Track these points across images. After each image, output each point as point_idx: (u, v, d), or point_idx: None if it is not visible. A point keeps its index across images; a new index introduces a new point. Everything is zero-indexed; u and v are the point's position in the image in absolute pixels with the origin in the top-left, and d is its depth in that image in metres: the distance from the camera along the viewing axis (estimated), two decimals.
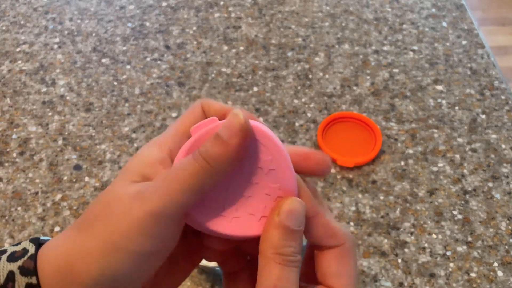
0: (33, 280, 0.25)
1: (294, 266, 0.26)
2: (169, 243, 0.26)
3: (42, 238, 0.27)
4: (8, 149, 0.60)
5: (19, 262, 0.26)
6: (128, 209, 0.25)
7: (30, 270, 0.26)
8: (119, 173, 0.27)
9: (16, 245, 0.27)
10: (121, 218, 0.25)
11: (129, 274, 0.25)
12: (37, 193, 0.56)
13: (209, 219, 0.26)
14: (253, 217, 0.27)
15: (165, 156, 0.27)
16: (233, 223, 0.27)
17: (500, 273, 0.49)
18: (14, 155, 0.59)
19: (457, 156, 0.59)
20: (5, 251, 0.27)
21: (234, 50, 0.72)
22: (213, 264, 0.49)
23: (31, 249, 0.26)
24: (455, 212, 0.54)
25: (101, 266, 0.25)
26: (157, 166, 0.26)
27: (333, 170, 0.57)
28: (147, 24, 0.76)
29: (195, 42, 0.73)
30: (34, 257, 0.26)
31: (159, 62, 0.70)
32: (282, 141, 0.60)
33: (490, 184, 0.56)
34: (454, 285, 0.48)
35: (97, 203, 0.27)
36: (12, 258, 0.26)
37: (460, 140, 0.61)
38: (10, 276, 0.25)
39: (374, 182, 0.56)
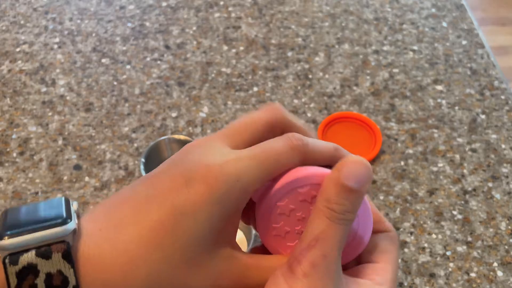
0: None
1: (343, 224, 0.25)
2: None
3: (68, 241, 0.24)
4: (8, 149, 0.60)
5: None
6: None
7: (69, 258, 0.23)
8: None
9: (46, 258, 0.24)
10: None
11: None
12: (37, 193, 0.56)
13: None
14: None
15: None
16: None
17: (500, 273, 0.49)
18: (14, 155, 0.59)
19: (457, 156, 0.59)
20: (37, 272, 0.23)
21: (234, 50, 0.72)
22: None
23: (69, 273, 0.23)
24: (455, 212, 0.54)
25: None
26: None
27: None
28: (147, 24, 0.76)
29: (195, 42, 0.73)
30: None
31: (159, 62, 0.70)
32: None
33: (490, 184, 0.56)
34: (454, 285, 0.48)
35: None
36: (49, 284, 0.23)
37: (460, 140, 0.61)
38: None
39: (374, 182, 0.56)
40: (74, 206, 0.26)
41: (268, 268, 0.26)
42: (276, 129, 0.28)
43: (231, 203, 0.25)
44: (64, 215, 0.24)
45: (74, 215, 0.25)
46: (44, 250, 0.23)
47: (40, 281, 0.23)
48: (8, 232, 0.23)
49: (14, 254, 0.23)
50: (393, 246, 0.29)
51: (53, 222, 0.24)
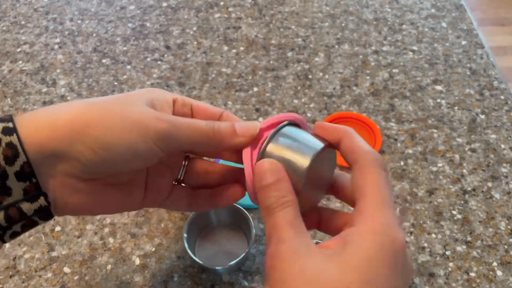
0: (10, 124, 0.29)
1: (288, 206, 0.30)
2: (154, 158, 0.32)
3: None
4: None
5: None
6: (146, 117, 0.31)
7: (4, 119, 0.29)
8: (140, 92, 0.34)
9: None
10: (138, 115, 0.31)
11: (125, 148, 0.31)
12: None
13: None
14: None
15: (171, 106, 0.35)
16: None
17: (499, 273, 0.49)
18: None
19: (457, 156, 0.59)
20: None
21: (234, 51, 0.72)
22: (213, 264, 0.49)
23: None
24: (454, 212, 0.54)
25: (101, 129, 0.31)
26: (166, 108, 0.35)
27: None
28: (148, 24, 0.77)
29: (195, 42, 0.73)
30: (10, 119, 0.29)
31: (159, 62, 0.71)
32: None
33: (490, 184, 0.56)
34: (454, 284, 0.48)
35: (114, 99, 0.32)
36: None
37: (459, 140, 0.61)
38: None
39: None
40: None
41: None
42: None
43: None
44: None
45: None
46: None
47: None
48: None
49: None
50: (365, 179, 0.30)
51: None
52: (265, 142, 0.33)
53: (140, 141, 0.31)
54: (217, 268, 0.47)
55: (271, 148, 0.32)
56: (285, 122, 0.34)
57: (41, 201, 0.30)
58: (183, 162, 0.38)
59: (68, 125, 0.30)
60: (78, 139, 0.30)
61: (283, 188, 0.30)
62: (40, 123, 0.30)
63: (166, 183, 0.37)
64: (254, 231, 0.48)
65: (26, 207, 0.29)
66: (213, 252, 0.50)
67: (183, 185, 0.39)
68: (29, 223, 0.31)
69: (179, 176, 0.38)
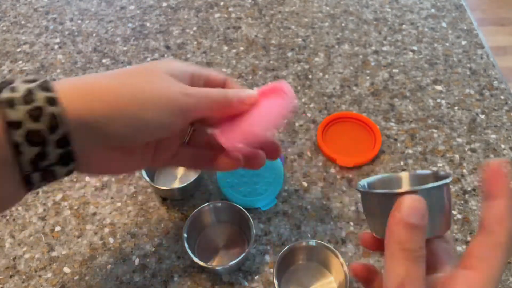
0: (54, 95, 0.31)
1: (421, 262, 0.27)
2: (178, 129, 0.37)
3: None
4: None
5: (35, 84, 0.31)
6: (175, 92, 0.35)
7: (47, 87, 0.31)
8: (162, 64, 0.37)
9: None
10: (167, 92, 0.35)
11: (148, 121, 0.34)
12: (37, 192, 0.56)
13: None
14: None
15: (187, 78, 0.38)
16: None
17: None
18: None
19: (457, 156, 0.59)
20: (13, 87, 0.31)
21: (234, 51, 0.72)
22: (213, 264, 0.49)
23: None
24: (454, 212, 0.54)
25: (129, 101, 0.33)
26: (185, 80, 0.38)
27: (333, 170, 0.57)
28: (148, 24, 0.77)
29: (195, 43, 0.73)
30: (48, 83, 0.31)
31: None
32: (282, 141, 0.60)
33: None
34: None
35: (141, 73, 0.36)
36: (26, 81, 0.31)
37: (459, 140, 0.61)
38: (27, 93, 0.30)
39: None
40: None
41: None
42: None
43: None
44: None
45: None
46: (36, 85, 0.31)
47: (18, 81, 0.31)
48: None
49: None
50: (493, 253, 0.27)
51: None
52: (434, 185, 0.31)
53: (171, 116, 0.35)
54: (217, 268, 0.47)
55: (425, 194, 0.29)
56: (448, 180, 0.32)
57: (71, 166, 0.33)
58: (189, 128, 0.43)
59: (105, 102, 0.32)
60: (114, 117, 0.32)
61: (423, 239, 0.28)
62: (80, 96, 0.32)
63: (173, 145, 0.41)
64: (254, 231, 0.48)
65: (59, 170, 0.32)
66: (213, 252, 0.50)
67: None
68: (53, 179, 0.33)
69: (185, 140, 0.43)
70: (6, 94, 0.30)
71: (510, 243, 0.27)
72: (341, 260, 0.46)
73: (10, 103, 0.29)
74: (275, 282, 0.44)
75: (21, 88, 0.30)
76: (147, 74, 0.35)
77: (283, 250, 0.46)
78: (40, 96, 0.30)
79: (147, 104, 0.34)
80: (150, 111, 0.34)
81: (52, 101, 0.30)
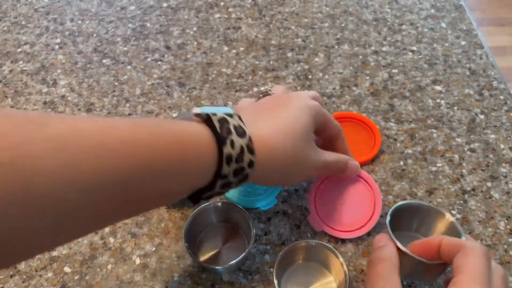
0: (254, 158, 0.39)
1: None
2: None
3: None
4: None
5: (245, 140, 0.38)
6: (316, 163, 0.45)
7: (252, 149, 0.39)
8: (304, 113, 0.44)
9: (223, 113, 0.40)
10: (310, 162, 0.45)
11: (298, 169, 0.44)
12: None
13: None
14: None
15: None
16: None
17: None
18: None
19: (456, 156, 0.59)
20: (222, 118, 0.39)
21: (234, 51, 0.72)
22: (213, 263, 0.49)
23: (246, 130, 0.39)
24: (454, 212, 0.54)
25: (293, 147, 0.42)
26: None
27: None
28: (148, 24, 0.77)
29: (195, 43, 0.74)
30: (250, 139, 0.39)
31: (159, 62, 0.71)
32: None
33: (489, 184, 0.56)
34: None
35: (292, 133, 0.43)
36: (238, 133, 0.38)
37: (459, 140, 0.61)
38: (240, 150, 0.38)
39: None
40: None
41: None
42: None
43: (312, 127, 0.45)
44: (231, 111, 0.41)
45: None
46: (228, 114, 0.39)
47: (231, 125, 0.38)
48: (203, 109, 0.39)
49: (208, 115, 0.38)
50: (467, 258, 0.35)
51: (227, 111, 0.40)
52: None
53: (310, 177, 0.50)
54: (217, 268, 0.48)
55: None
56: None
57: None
58: None
59: (275, 165, 0.42)
60: (273, 175, 0.43)
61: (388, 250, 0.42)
62: (264, 160, 0.40)
63: None
64: (254, 230, 0.48)
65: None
66: (213, 251, 0.50)
67: None
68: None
69: None
70: (227, 149, 0.37)
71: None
72: (341, 259, 0.46)
73: (228, 159, 0.37)
74: (275, 281, 0.44)
75: (237, 144, 0.37)
76: (299, 137, 0.42)
77: (283, 250, 0.46)
78: (247, 159, 0.38)
79: (299, 170, 0.44)
80: (298, 176, 0.45)
81: (251, 164, 0.39)
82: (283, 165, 0.42)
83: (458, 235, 0.43)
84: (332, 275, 0.48)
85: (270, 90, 0.51)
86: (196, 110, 0.39)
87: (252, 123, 0.40)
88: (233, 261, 0.46)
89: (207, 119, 0.38)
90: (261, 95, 0.51)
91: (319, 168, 0.45)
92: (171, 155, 0.34)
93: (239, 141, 0.37)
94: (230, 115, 0.39)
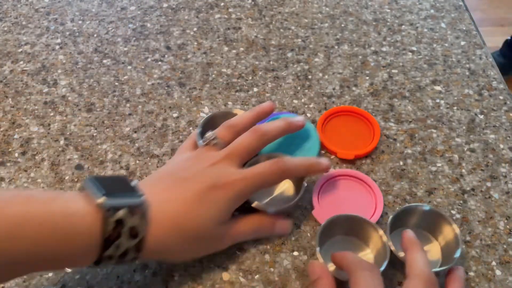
0: (139, 254, 0.41)
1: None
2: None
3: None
4: (10, 149, 0.60)
5: (135, 242, 0.40)
6: (222, 241, 0.48)
7: (140, 247, 0.40)
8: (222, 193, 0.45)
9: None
10: (214, 243, 0.48)
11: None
12: None
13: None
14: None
15: None
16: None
17: (498, 272, 0.49)
18: (16, 155, 0.60)
19: (456, 156, 0.59)
20: (120, 219, 0.38)
21: (234, 51, 0.72)
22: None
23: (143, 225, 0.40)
24: (453, 212, 0.54)
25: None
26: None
27: (333, 165, 0.58)
28: (148, 25, 0.77)
29: (195, 43, 0.74)
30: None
31: (160, 62, 0.71)
32: None
33: (489, 184, 0.57)
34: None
35: (193, 215, 0.44)
36: (131, 235, 0.39)
37: (458, 140, 0.61)
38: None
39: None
40: (134, 182, 0.43)
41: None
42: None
43: (234, 203, 0.46)
44: (139, 192, 0.41)
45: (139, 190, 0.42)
46: (131, 209, 0.39)
47: (126, 228, 0.38)
48: (105, 194, 0.38)
49: (109, 210, 0.38)
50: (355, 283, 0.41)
51: (134, 193, 0.41)
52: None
53: (210, 251, 0.48)
54: (268, 210, 0.50)
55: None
56: None
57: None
58: None
59: (176, 244, 0.43)
60: (175, 254, 0.45)
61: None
62: (158, 242, 0.42)
63: None
64: (305, 183, 0.51)
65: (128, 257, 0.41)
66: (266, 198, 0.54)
67: None
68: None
69: None
70: (109, 252, 0.38)
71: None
72: (380, 232, 0.48)
73: (109, 257, 0.39)
74: (317, 248, 0.47)
75: (122, 248, 0.39)
76: (200, 219, 0.43)
77: (323, 223, 0.48)
78: (129, 257, 0.40)
79: (200, 250, 0.46)
80: (202, 251, 0.47)
81: (134, 258, 0.40)
82: (181, 244, 0.44)
83: (456, 247, 0.47)
84: (370, 248, 0.49)
85: (216, 138, 0.49)
86: (100, 200, 0.38)
87: (160, 198, 0.43)
88: (283, 206, 0.50)
89: (104, 216, 0.38)
90: (205, 143, 0.49)
91: (228, 243, 0.48)
92: (54, 248, 0.37)
93: (125, 245, 0.39)
94: (133, 211, 0.39)
